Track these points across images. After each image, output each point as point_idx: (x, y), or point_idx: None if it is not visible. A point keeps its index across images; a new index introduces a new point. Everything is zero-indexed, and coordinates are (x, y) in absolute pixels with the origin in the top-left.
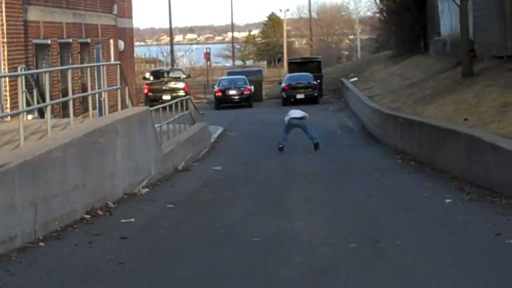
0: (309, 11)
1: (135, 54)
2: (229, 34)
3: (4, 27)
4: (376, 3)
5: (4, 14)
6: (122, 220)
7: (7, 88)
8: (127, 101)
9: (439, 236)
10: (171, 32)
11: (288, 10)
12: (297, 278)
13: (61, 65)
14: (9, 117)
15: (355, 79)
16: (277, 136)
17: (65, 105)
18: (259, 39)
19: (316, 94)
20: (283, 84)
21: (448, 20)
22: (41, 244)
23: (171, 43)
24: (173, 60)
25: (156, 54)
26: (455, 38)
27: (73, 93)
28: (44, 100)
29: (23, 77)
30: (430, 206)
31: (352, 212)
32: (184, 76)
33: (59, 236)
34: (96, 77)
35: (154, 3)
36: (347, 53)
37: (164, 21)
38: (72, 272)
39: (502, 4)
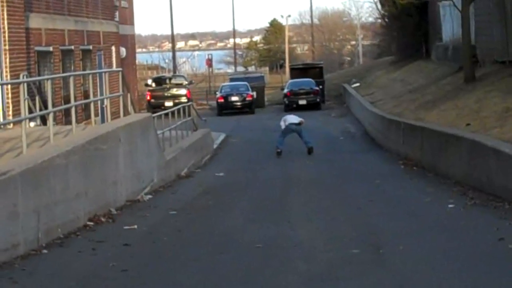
0: (311, 17)
1: (137, 61)
2: (231, 41)
3: (6, 34)
4: (378, 9)
5: (6, 22)
6: (125, 227)
7: (9, 95)
8: (129, 108)
9: (442, 241)
10: (173, 38)
11: (289, 16)
12: (297, 285)
13: (63, 72)
14: (11, 124)
15: (357, 84)
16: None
17: (67, 112)
18: (261, 45)
19: (318, 100)
20: (285, 90)
21: (449, 25)
22: (44, 251)
23: (173, 49)
24: (175, 67)
25: (158, 60)
26: (457, 43)
27: (75, 100)
28: (46, 107)
29: (25, 84)
30: (432, 211)
31: (354, 218)
32: (186, 82)
33: (62, 243)
34: (98, 84)
35: (156, 10)
36: (349, 58)
37: (166, 28)
38: (75, 279)
39: (504, 9)
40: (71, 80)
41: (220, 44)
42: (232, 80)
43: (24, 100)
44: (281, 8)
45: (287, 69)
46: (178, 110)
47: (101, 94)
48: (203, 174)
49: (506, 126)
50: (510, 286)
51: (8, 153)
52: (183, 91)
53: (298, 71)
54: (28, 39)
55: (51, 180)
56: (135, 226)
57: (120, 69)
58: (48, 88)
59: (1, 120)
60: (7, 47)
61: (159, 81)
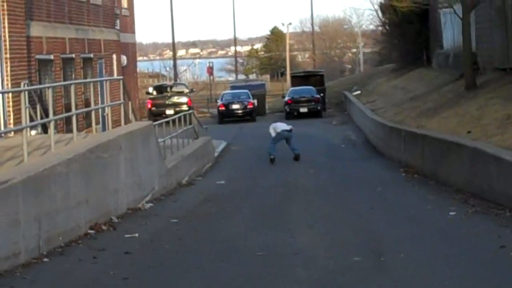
0: (312, 24)
1: (138, 69)
2: (232, 48)
3: (7, 42)
4: (379, 16)
5: (7, 30)
6: (126, 235)
7: (10, 103)
8: (130, 116)
9: (443, 249)
10: (174, 46)
11: (290, 24)
12: None
13: (64, 80)
14: (12, 132)
15: (358, 92)
16: (281, 149)
17: (68, 121)
18: (262, 53)
19: (319, 108)
20: (286, 98)
21: (450, 33)
22: (45, 259)
23: (174, 57)
24: (176, 75)
25: (159, 68)
26: (458, 51)
27: (76, 108)
28: (47, 116)
29: (26, 92)
30: (434, 219)
31: (355, 226)
32: (187, 90)
33: (63, 251)
34: (99, 92)
35: (157, 18)
36: (350, 66)
37: (167, 36)
38: (76, 287)
39: (505, 17)
40: (72, 88)
41: (221, 52)
42: (233, 88)
43: (25, 108)
44: (282, 16)
45: (288, 77)
46: (179, 118)
47: (102, 102)
48: (204, 182)
49: (507, 133)
50: None
51: (9, 161)
52: (184, 99)
53: (299, 79)
54: (29, 47)
55: (52, 188)
56: (136, 234)
57: (121, 77)
58: (49, 96)
59: (2, 128)
60: (8, 55)
61: (160, 89)
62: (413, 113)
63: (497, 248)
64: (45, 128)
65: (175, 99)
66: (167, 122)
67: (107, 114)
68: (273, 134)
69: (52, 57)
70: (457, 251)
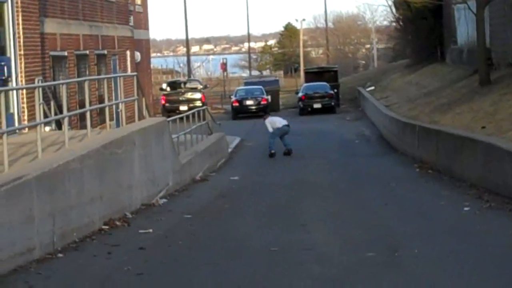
0: (325, 20)
1: (151, 65)
2: (246, 45)
3: (21, 39)
4: (392, 12)
5: (21, 27)
6: (140, 231)
7: (25, 100)
8: (144, 112)
9: (457, 244)
10: (187, 43)
11: (304, 20)
12: None
13: (78, 76)
14: (26, 129)
15: (372, 88)
16: (295, 145)
17: (82, 117)
18: (276, 49)
19: (333, 104)
20: (300, 94)
21: (464, 29)
22: (60, 255)
23: (188, 54)
24: (189, 71)
25: (172, 65)
26: (472, 46)
27: (90, 105)
28: (61, 112)
29: (41, 89)
30: (448, 214)
31: (369, 221)
32: (201, 86)
33: (78, 247)
34: (113, 89)
35: (171, 15)
36: (363, 62)
37: (181, 32)
38: (91, 283)
39: None
40: (86, 84)
41: (234, 48)
42: (246, 84)
43: (39, 104)
44: (296, 12)
45: (302, 73)
46: (193, 114)
47: (116, 99)
48: (218, 178)
49: None
50: None
51: (23, 157)
52: (197, 95)
53: (313, 75)
54: (43, 44)
55: (66, 184)
56: (150, 230)
57: (135, 73)
58: (63, 92)
59: (17, 124)
60: (22, 52)
61: (174, 85)
62: (427, 108)
63: (511, 243)
64: (59, 124)
65: (189, 95)
66: (181, 118)
67: (121, 110)
68: (270, 129)
69: (66, 53)
70: (471, 247)
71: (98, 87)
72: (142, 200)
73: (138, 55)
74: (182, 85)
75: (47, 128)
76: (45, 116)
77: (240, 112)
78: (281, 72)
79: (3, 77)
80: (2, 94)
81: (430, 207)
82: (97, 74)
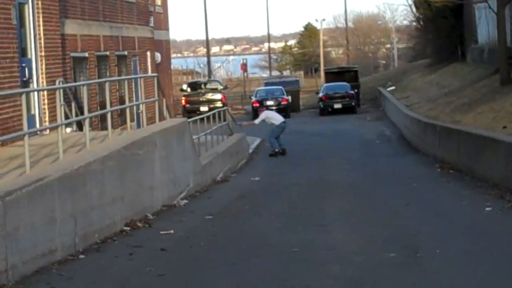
0: (346, 20)
1: (172, 66)
2: (266, 45)
3: (42, 40)
4: (413, 12)
5: (41, 28)
6: (162, 232)
7: (46, 101)
8: (165, 113)
9: (479, 245)
10: (207, 43)
11: (324, 20)
12: None
13: (99, 78)
14: (48, 130)
15: (393, 88)
16: (315, 146)
17: (103, 118)
18: (296, 49)
19: (353, 104)
20: (321, 94)
21: (485, 28)
22: (81, 256)
23: (208, 54)
24: (210, 72)
25: (193, 65)
26: (493, 46)
27: (111, 106)
28: (82, 113)
29: (61, 90)
30: (469, 214)
31: (390, 221)
32: (221, 87)
33: (99, 248)
34: (133, 90)
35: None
36: (384, 62)
37: (201, 33)
38: (113, 284)
39: None
40: (107, 85)
41: (254, 49)
42: (267, 84)
43: (60, 106)
44: (316, 12)
45: (322, 73)
46: (214, 115)
47: (137, 100)
48: (238, 179)
49: None
50: None
51: (45, 158)
52: (218, 96)
53: (333, 75)
54: (64, 45)
55: (87, 185)
56: (172, 231)
57: (155, 74)
58: (84, 94)
59: (38, 126)
60: (43, 53)
61: (194, 86)
62: (447, 108)
63: None
64: (80, 126)
65: (209, 96)
66: (202, 119)
67: (142, 111)
68: (261, 119)
69: (86, 54)
70: (493, 247)
71: (118, 88)
72: (163, 201)
73: (158, 56)
74: (203, 86)
75: (68, 130)
76: (66, 117)
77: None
78: (301, 73)
79: (24, 79)
80: (24, 96)
81: (451, 207)
82: (117, 75)
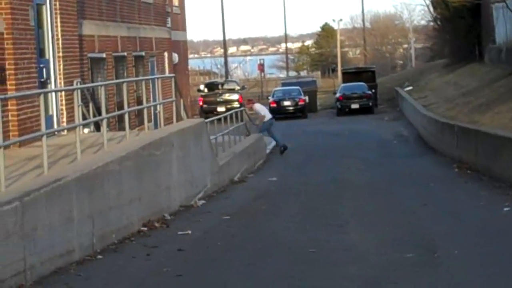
0: (363, 20)
1: (189, 67)
2: (283, 45)
3: (60, 41)
4: (430, 12)
5: (59, 29)
6: (179, 232)
7: (63, 102)
8: (182, 113)
9: (498, 246)
10: (224, 44)
11: (341, 20)
12: None
13: (116, 78)
14: (65, 131)
15: (410, 88)
16: (332, 146)
17: (120, 118)
18: (313, 49)
19: (371, 104)
20: (338, 94)
21: (503, 28)
22: (99, 256)
23: (225, 55)
24: (227, 72)
25: (210, 66)
26: (510, 46)
27: (128, 106)
28: (100, 114)
29: (79, 91)
30: (487, 215)
31: (407, 222)
32: (239, 87)
33: (117, 248)
34: (151, 90)
35: (208, 16)
36: (401, 62)
37: (218, 33)
38: (130, 284)
39: None
40: (124, 86)
41: (272, 49)
42: (284, 84)
43: (78, 106)
44: (333, 12)
45: (339, 73)
46: (231, 115)
47: (154, 100)
48: (256, 179)
49: None
50: None
51: (62, 159)
52: (235, 96)
53: (351, 75)
54: (82, 46)
55: (105, 186)
56: (189, 231)
57: (172, 75)
58: (102, 94)
59: (56, 126)
60: (61, 54)
61: (211, 86)
62: (465, 108)
63: None
64: (97, 126)
65: (227, 96)
66: (219, 119)
67: (159, 112)
68: (262, 113)
69: (104, 55)
70: None
71: (136, 89)
72: (181, 201)
73: (175, 56)
74: (220, 86)
75: (86, 130)
76: (84, 118)
77: (277, 113)
78: (319, 73)
79: (42, 80)
80: (42, 97)
81: (469, 208)
82: (135, 75)
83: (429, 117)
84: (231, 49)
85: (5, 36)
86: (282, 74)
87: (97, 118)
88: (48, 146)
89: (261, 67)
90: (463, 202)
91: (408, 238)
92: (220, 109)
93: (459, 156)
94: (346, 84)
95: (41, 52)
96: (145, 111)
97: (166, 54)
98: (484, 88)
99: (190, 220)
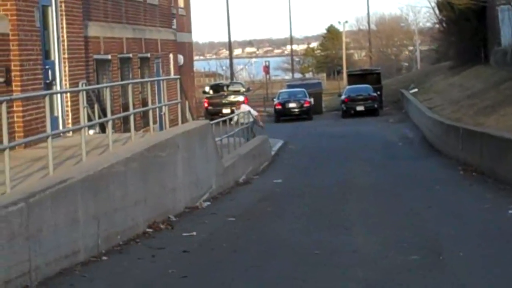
0: (368, 22)
1: (194, 68)
2: (288, 47)
3: (65, 43)
4: (436, 14)
5: (65, 31)
6: (184, 234)
7: (69, 103)
8: (187, 115)
9: (503, 248)
10: (230, 45)
11: (346, 22)
12: None
13: (122, 80)
14: (71, 132)
15: (415, 90)
16: (337, 148)
17: (126, 120)
18: (318, 51)
19: (376, 106)
20: (343, 96)
21: (508, 30)
22: (104, 258)
23: (230, 56)
24: (232, 74)
25: (215, 68)
26: None
27: (133, 108)
28: (105, 115)
29: (84, 92)
30: (492, 217)
31: (412, 224)
32: (244, 89)
33: (122, 250)
34: (156, 92)
35: (213, 17)
36: (406, 64)
37: (223, 35)
38: (135, 286)
39: None
40: (130, 88)
41: (277, 51)
42: (289, 86)
43: (83, 108)
44: (338, 14)
45: (345, 75)
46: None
47: (159, 102)
48: (261, 181)
49: None
50: None
51: (68, 160)
52: (240, 98)
53: (356, 77)
54: (87, 47)
55: (110, 187)
56: (194, 233)
57: (178, 76)
58: (107, 96)
59: (61, 128)
60: (66, 55)
61: (216, 88)
62: (470, 111)
63: None
64: (103, 128)
65: (232, 98)
66: (224, 121)
67: (164, 114)
68: (254, 112)
69: (109, 57)
70: None
71: (141, 90)
72: (186, 203)
73: (181, 58)
74: (225, 88)
75: (91, 132)
76: (89, 119)
77: (283, 115)
78: (324, 75)
79: (48, 81)
80: (47, 98)
81: (474, 210)
82: (140, 77)
83: (434, 119)
84: (237, 51)
85: (11, 37)
86: (288, 76)
87: (103, 119)
88: (54, 148)
89: (266, 69)
90: (468, 204)
91: (413, 240)
92: (225, 110)
93: (464, 158)
94: (351, 86)
95: (46, 54)
96: (150, 113)
97: (171, 55)
98: (489, 90)
99: (195, 222)
